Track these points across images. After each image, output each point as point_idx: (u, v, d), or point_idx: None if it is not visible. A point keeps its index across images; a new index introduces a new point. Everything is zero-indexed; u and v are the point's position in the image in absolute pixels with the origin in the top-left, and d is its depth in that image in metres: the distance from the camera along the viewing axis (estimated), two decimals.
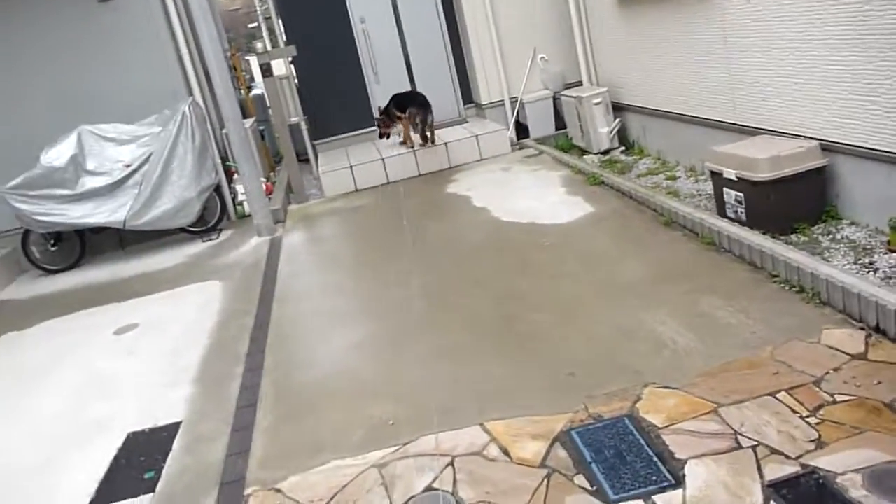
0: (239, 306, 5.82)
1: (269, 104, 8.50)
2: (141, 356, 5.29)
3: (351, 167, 8.80)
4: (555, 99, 9.74)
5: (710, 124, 6.45)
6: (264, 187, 8.84)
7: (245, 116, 11.05)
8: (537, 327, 4.40)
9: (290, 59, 9.85)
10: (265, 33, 9.54)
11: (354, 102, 10.20)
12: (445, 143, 8.94)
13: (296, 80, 10.15)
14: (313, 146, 10.27)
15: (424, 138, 8.98)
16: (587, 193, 6.77)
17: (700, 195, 6.23)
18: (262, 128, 10.90)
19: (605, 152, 8.29)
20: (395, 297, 5.31)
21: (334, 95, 10.09)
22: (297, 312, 5.45)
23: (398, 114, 9.06)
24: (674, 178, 6.92)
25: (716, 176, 5.36)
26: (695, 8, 6.18)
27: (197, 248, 7.86)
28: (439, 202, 7.55)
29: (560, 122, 9.73)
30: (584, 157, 8.37)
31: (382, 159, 8.85)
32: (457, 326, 4.66)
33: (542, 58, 9.85)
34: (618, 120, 8.27)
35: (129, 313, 6.22)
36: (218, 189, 8.17)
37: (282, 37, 9.96)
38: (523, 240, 5.91)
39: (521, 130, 9.86)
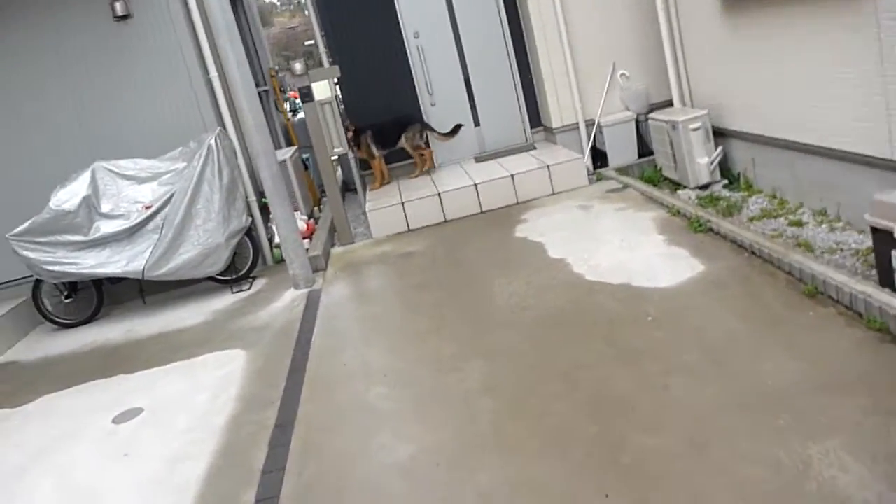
0: (261, 391, 4.68)
1: (310, 133, 7.38)
2: (135, 460, 4.19)
3: (402, 203, 7.65)
4: (637, 121, 8.44)
5: (850, 159, 5.08)
6: (305, 226, 7.75)
7: (288, 144, 10.03)
8: (653, 460, 3.13)
9: (335, 80, 8.77)
10: (322, 50, 8.42)
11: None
12: (512, 175, 7.71)
13: (342, 105, 9.06)
14: (362, 178, 9.15)
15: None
16: (692, 244, 5.46)
17: (843, 250, 4.87)
18: (306, 156, 9.84)
19: (705, 187, 6.95)
20: (454, 390, 4.10)
21: (379, 120, 8.97)
22: (331, 407, 4.28)
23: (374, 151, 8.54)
24: (799, 224, 5.56)
25: (880, 234, 4.01)
26: (838, 14, 4.83)
27: (224, 301, 6.78)
28: (506, 250, 6.32)
29: (644, 149, 8.43)
30: (678, 192, 7.05)
31: (438, 194, 7.67)
32: (534, 447, 3.43)
33: (623, 74, 8.56)
34: (720, 149, 6.92)
35: (134, 392, 5.18)
36: (251, 232, 7.08)
37: (326, 55, 8.89)
38: (617, 310, 4.63)
39: (598, 158, 8.58)
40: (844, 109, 5.03)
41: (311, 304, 6.13)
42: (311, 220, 8.55)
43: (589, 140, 8.59)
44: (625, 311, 4.59)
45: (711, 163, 6.89)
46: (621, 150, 8.43)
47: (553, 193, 7.75)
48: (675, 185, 7.30)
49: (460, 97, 9.13)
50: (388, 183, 8.63)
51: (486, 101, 9.08)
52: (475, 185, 7.70)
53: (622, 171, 8.09)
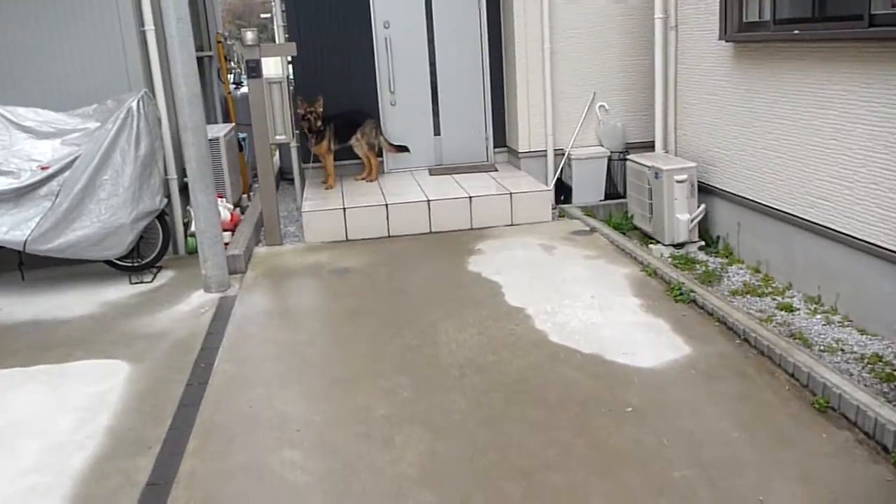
0: (139, 427, 3.74)
1: (251, 113, 6.41)
2: None
3: (344, 209, 6.75)
4: (610, 160, 7.77)
5: (862, 248, 4.48)
6: (229, 216, 6.77)
7: (225, 120, 9.00)
8: None
9: (288, 59, 7.82)
10: (278, 24, 7.46)
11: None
12: (469, 197, 6.91)
13: (292, 86, 8.10)
14: (302, 170, 8.21)
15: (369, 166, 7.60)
16: (673, 315, 4.75)
17: (844, 351, 4.26)
18: (243, 136, 8.82)
19: (680, 245, 6.30)
20: (385, 473, 3.24)
21: (337, 112, 8.04)
22: (224, 468, 3.36)
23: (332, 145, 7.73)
24: (790, 309, 4.94)
25: None
26: (888, 87, 4.20)
27: (120, 291, 5.75)
28: (457, 285, 5.50)
29: (611, 189, 7.77)
30: (650, 246, 6.37)
31: (386, 205, 6.80)
32: None
33: (602, 107, 7.88)
34: (702, 207, 6.29)
35: None
36: (164, 215, 6.06)
37: (283, 31, 7.92)
38: (590, 390, 3.86)
39: (562, 191, 7.87)
40: (868, 193, 4.41)
41: (222, 314, 5.18)
42: (237, 210, 7.56)
43: (556, 172, 7.87)
44: (599, 392, 3.83)
45: (692, 220, 6.25)
46: (588, 188, 7.74)
47: (512, 224, 6.99)
48: (646, 238, 6.64)
49: (423, 101, 8.30)
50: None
51: (450, 110, 8.27)
52: (428, 201, 6.87)
53: (587, 211, 7.39)
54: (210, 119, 9.23)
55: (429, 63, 8.25)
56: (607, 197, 7.83)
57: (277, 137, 6.52)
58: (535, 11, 7.54)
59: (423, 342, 4.52)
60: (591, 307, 4.92)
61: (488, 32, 8.20)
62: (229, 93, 8.89)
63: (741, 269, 5.82)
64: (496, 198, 6.97)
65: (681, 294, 5.03)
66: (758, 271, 5.70)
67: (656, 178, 6.29)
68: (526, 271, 5.69)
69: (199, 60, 9.18)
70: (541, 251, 6.18)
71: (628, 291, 5.19)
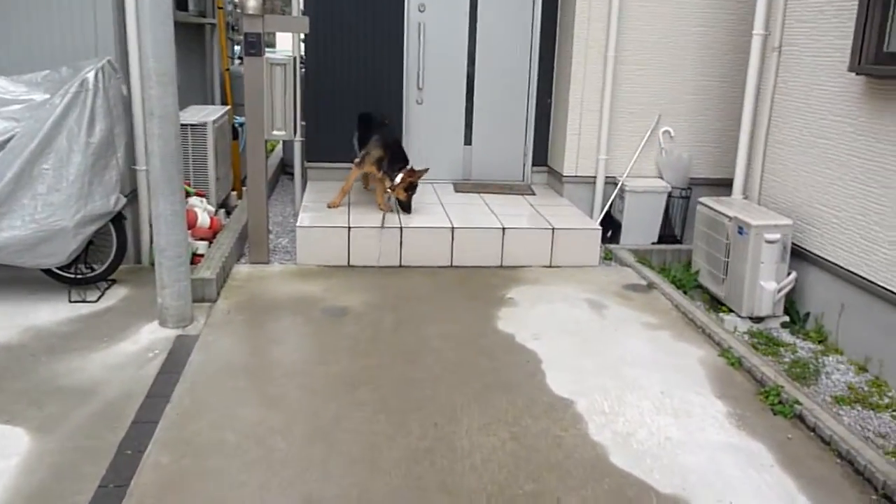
0: None
1: (246, 98, 5.16)
2: None
3: (349, 229, 5.50)
4: (669, 196, 6.53)
5: None
6: (208, 221, 5.52)
7: (223, 102, 7.76)
8: None
9: (301, 37, 6.58)
10: None
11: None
12: (503, 228, 5.66)
13: (303, 68, 6.84)
14: (304, 169, 6.97)
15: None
16: (775, 437, 3.52)
17: None
18: (241, 120, 7.55)
19: (759, 318, 5.04)
20: None
21: (352, 105, 6.80)
22: None
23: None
24: None
25: None
26: None
27: (53, 312, 4.53)
28: (483, 352, 4.26)
29: (667, 230, 6.54)
30: (721, 314, 5.13)
31: (400, 228, 5.55)
32: None
33: (667, 132, 6.63)
34: (793, 275, 5.03)
35: None
36: (120, 218, 4.82)
37: (301, 2, 6.66)
38: None
39: (609, 226, 6.63)
40: None
41: (174, 364, 3.95)
42: (221, 213, 6.32)
43: (605, 203, 6.61)
44: None
45: (779, 291, 4.99)
46: (642, 227, 6.51)
47: (551, 266, 5.74)
48: (715, 302, 5.39)
49: (456, 103, 7.06)
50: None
51: (486, 117, 7.01)
52: (452, 228, 5.62)
53: (640, 256, 6.14)
54: (206, 99, 7.99)
55: (467, 58, 7.00)
56: (661, 239, 6.59)
57: (275, 132, 5.28)
58: (603, 8, 6.27)
59: (437, 445, 3.28)
60: (664, 410, 3.68)
61: (541, 28, 6.95)
62: (227, 69, 7.61)
63: (841, 363, 4.58)
64: (535, 232, 5.72)
65: (779, 402, 3.78)
66: (864, 370, 4.46)
67: (740, 233, 5.03)
68: (571, 339, 4.44)
69: (200, 28, 7.93)
70: (588, 310, 4.93)
71: (708, 388, 3.94)
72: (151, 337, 4.26)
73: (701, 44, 6.50)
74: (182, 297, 4.35)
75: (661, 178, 6.67)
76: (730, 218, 5.15)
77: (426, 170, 5.85)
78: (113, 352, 4.07)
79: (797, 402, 3.73)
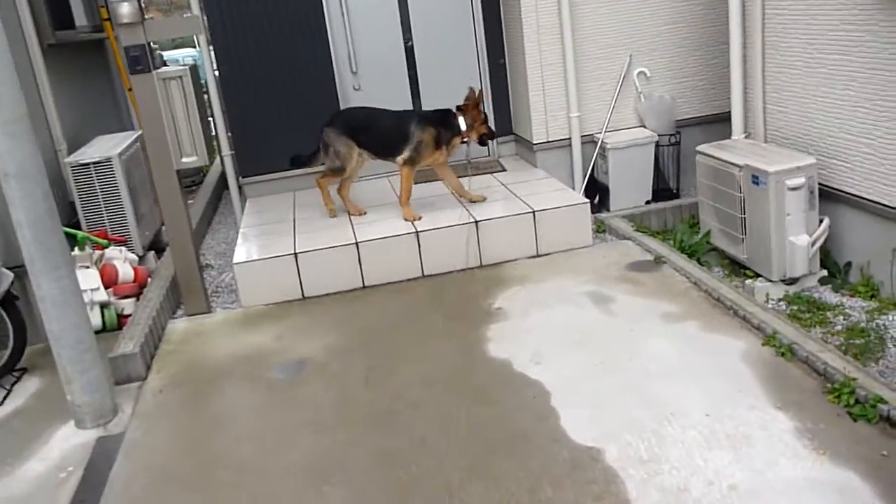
0: None
1: (143, 125, 4.25)
2: None
3: (295, 255, 4.63)
4: (657, 145, 5.68)
5: None
6: (132, 274, 4.65)
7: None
8: None
9: (208, 43, 5.66)
10: None
11: (315, 118, 5.99)
12: (475, 222, 4.80)
13: (216, 71, 5.89)
14: (240, 187, 6.07)
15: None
16: (867, 458, 2.73)
17: None
18: None
19: (793, 280, 4.24)
20: None
21: (280, 105, 5.90)
22: None
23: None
24: None
25: None
26: None
27: None
28: (477, 395, 3.45)
29: (660, 184, 5.73)
30: (748, 282, 4.33)
31: (356, 243, 4.68)
32: None
33: (642, 73, 5.76)
34: (825, 222, 4.22)
35: None
36: (10, 299, 3.93)
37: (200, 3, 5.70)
38: None
39: (594, 191, 5.80)
40: None
41: (92, 484, 3.11)
42: (150, 257, 5.42)
43: (586, 168, 5.76)
44: None
45: (813, 244, 4.18)
46: (632, 187, 5.69)
47: (538, 255, 4.91)
48: (735, 265, 4.59)
49: (398, 81, 6.15)
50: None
51: (435, 91, 6.10)
52: (416, 233, 4.75)
53: (637, 222, 5.32)
54: (123, 125, 7.04)
55: (401, 27, 6.06)
56: (656, 196, 5.77)
57: (186, 160, 4.36)
58: None
59: None
60: (715, 441, 2.87)
61: None
62: (129, 88, 6.64)
63: None
64: (513, 220, 4.86)
65: (856, 402, 2.98)
66: None
67: (756, 183, 4.19)
68: (581, 355, 3.62)
69: (99, 45, 6.97)
70: (593, 308, 4.10)
71: (762, 396, 3.13)
72: (65, 446, 3.41)
73: None
74: (96, 390, 3.49)
75: (644, 126, 5.82)
76: (740, 167, 4.31)
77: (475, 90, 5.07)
78: (16, 478, 3.22)
79: (880, 399, 2.93)
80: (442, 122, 4.98)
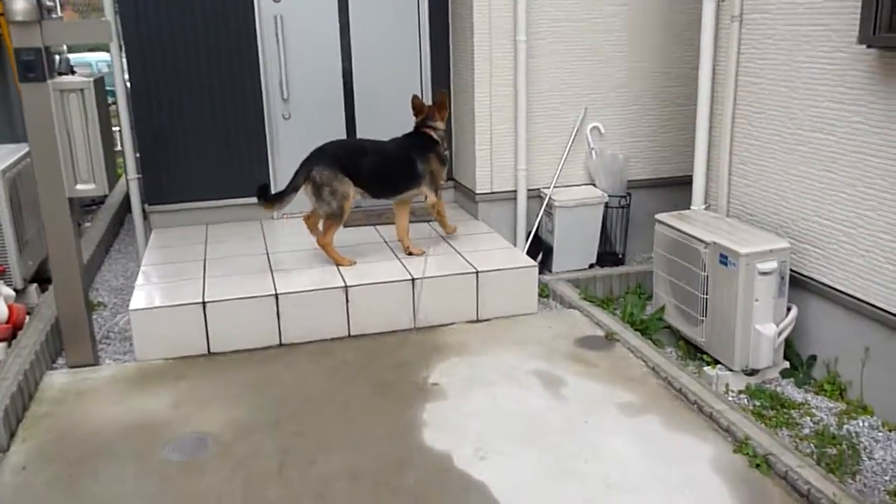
0: None
1: (30, 143, 3.58)
2: None
3: (203, 304, 4.01)
4: (606, 206, 5.35)
5: None
6: (4, 312, 3.95)
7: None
8: None
9: (120, 49, 5.03)
10: None
11: (238, 146, 5.43)
12: (412, 279, 4.30)
13: (127, 81, 5.25)
14: (145, 215, 5.41)
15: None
16: None
17: None
18: None
19: (753, 371, 3.90)
20: None
21: (199, 128, 5.29)
22: None
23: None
24: None
25: None
26: None
27: None
28: (409, 499, 2.90)
29: (606, 247, 5.39)
30: (706, 369, 3.98)
31: (276, 295, 4.10)
32: None
33: (596, 129, 5.43)
34: (793, 311, 3.91)
35: None
36: None
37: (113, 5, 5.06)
38: None
39: (535, 249, 5.39)
40: None
41: None
42: (32, 291, 4.69)
43: (532, 223, 5.36)
44: None
45: (779, 334, 3.86)
46: (577, 248, 5.33)
47: (478, 320, 4.44)
48: (690, 346, 4.24)
49: (333, 112, 5.65)
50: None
51: (373, 125, 5.59)
52: (345, 287, 4.21)
53: (582, 288, 4.94)
54: (17, 135, 6.24)
55: (341, 54, 5.57)
56: (600, 259, 5.42)
57: (80, 187, 3.70)
58: None
59: None
60: None
61: (430, 15, 5.59)
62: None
63: (876, 428, 3.51)
64: (454, 280, 4.39)
65: None
66: None
67: (724, 263, 3.85)
68: (531, 451, 3.15)
69: None
70: (542, 391, 3.65)
71: None
72: None
73: (630, 20, 5.31)
74: None
75: (594, 184, 5.47)
76: (706, 244, 3.97)
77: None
78: None
79: None
80: (430, 143, 4.66)
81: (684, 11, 5.28)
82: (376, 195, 4.66)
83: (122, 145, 5.38)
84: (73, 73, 8.00)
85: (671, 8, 5.31)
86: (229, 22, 5.22)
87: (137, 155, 5.34)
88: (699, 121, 4.52)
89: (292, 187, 4.39)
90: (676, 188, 5.37)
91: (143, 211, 5.39)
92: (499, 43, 5.09)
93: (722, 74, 4.37)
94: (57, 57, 7.63)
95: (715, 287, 3.95)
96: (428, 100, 5.38)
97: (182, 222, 5.42)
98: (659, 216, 4.43)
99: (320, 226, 4.56)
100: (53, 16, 8.23)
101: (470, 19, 5.08)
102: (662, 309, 4.46)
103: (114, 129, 7.69)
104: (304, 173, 4.39)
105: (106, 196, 7.54)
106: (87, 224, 6.46)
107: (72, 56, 9.96)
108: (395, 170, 4.59)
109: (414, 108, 4.74)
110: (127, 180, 5.40)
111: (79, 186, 3.71)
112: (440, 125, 4.69)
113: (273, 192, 4.54)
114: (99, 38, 3.76)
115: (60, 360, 4.07)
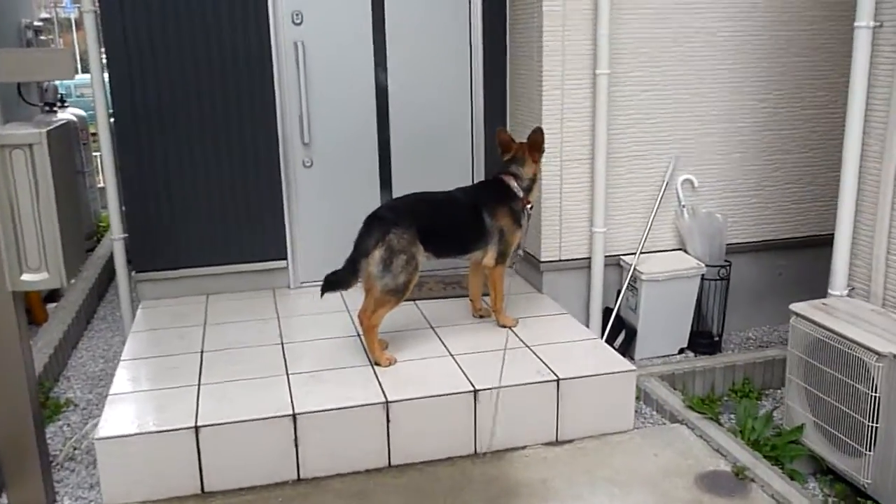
0: None
1: None
2: None
3: (196, 429, 2.95)
4: (702, 279, 4.30)
5: None
6: None
7: None
8: None
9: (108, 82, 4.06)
10: (87, 7, 3.49)
11: (247, 200, 4.41)
12: (474, 391, 3.24)
13: (112, 118, 4.24)
14: (133, 284, 4.38)
15: None
16: None
17: None
18: None
19: None
20: None
21: (199, 181, 4.30)
22: None
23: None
24: None
25: None
26: None
27: None
28: None
29: (699, 326, 4.35)
30: None
31: (294, 416, 3.04)
32: None
33: (688, 181, 4.39)
34: None
35: None
36: None
37: (95, 19, 4.08)
38: None
39: (613, 331, 4.33)
40: None
41: None
42: None
43: (617, 300, 4.31)
44: None
45: None
46: (666, 329, 4.32)
47: (558, 442, 3.37)
48: (845, 484, 3.16)
49: (365, 159, 4.63)
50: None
51: (412, 178, 4.56)
52: (386, 403, 3.15)
53: (676, 384, 3.90)
54: None
55: (375, 92, 4.54)
56: (692, 342, 4.37)
57: (27, 277, 2.68)
58: (585, 10, 3.97)
59: None
60: None
61: (483, 38, 4.57)
62: None
63: None
64: (528, 390, 3.32)
65: None
66: None
67: None
68: None
69: None
70: None
71: None
72: None
73: (730, 48, 4.29)
74: None
75: (685, 250, 4.43)
76: (879, 355, 2.89)
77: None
78: None
79: None
80: (504, 195, 3.68)
81: (806, 31, 4.28)
82: (440, 255, 3.63)
83: (106, 196, 4.38)
84: (63, 104, 7.03)
85: (787, 27, 4.30)
86: (238, 49, 4.22)
87: (123, 209, 4.33)
88: (845, 179, 3.48)
89: (363, 251, 3.36)
90: (775, 252, 4.50)
91: (130, 280, 4.37)
92: (573, 76, 4.08)
93: (879, 122, 3.32)
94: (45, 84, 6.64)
95: (892, 414, 2.88)
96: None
97: (177, 292, 4.40)
98: (796, 307, 3.38)
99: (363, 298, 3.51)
100: (41, 38, 7.24)
101: (538, 43, 4.06)
102: (800, 429, 3.39)
103: (97, 175, 6.72)
104: (377, 235, 3.35)
105: (98, 241, 6.62)
106: (71, 281, 5.44)
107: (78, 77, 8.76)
108: (461, 224, 3.61)
109: (500, 144, 3.76)
110: (112, 240, 4.40)
111: (24, 276, 2.69)
112: (527, 172, 3.68)
113: (332, 273, 3.48)
114: (59, 75, 2.75)
115: (3, 499, 3.03)
